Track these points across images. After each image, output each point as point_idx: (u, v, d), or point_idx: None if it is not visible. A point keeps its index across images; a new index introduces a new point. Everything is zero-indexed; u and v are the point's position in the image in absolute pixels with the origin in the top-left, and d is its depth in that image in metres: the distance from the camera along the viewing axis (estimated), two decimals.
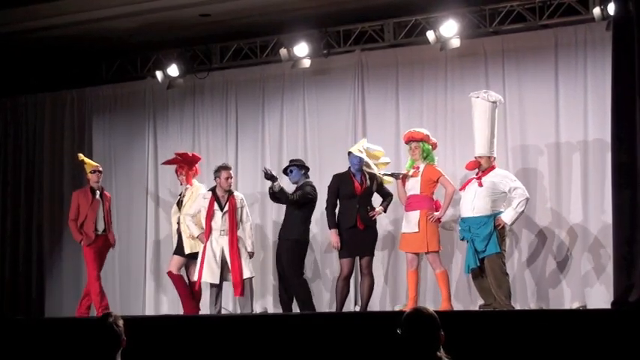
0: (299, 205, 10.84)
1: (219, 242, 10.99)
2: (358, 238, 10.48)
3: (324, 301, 11.87)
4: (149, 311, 12.88)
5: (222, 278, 11.02)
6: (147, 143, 13.34)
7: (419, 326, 4.77)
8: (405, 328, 4.78)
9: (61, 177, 13.88)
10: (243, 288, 10.88)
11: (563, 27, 11.20)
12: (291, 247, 10.88)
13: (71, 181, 13.80)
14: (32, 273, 13.81)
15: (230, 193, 11.12)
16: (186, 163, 11.74)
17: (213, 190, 11.18)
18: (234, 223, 10.97)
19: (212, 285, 11.07)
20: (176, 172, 11.85)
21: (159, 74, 12.89)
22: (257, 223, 12.45)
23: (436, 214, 10.30)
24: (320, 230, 11.71)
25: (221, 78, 13.04)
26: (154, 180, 13.12)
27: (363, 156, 10.54)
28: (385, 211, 10.79)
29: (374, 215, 10.53)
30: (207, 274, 10.98)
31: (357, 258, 10.61)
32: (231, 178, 11.14)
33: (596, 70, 10.90)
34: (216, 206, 11.04)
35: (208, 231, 11.03)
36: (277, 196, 10.95)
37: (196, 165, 11.85)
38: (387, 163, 10.83)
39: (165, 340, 9.63)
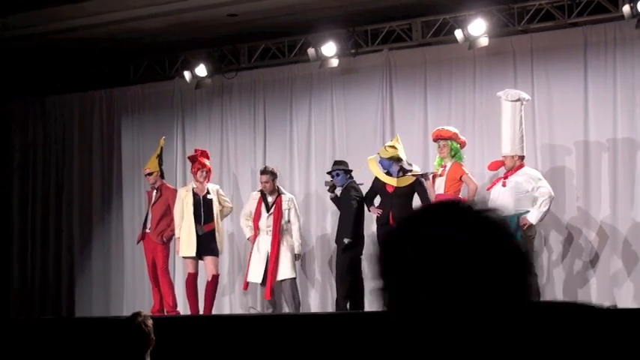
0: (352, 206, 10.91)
1: (265, 243, 11.12)
2: None
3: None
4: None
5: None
6: (175, 143, 13.36)
7: None
8: None
9: (90, 176, 13.94)
10: (272, 292, 11.00)
11: (592, 25, 11.13)
12: (337, 249, 11.05)
13: (100, 180, 13.87)
14: (62, 272, 13.89)
15: (278, 193, 11.20)
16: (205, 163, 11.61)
17: (261, 190, 11.30)
18: (277, 225, 11.09)
19: (260, 284, 11.20)
20: (196, 169, 11.68)
21: (187, 74, 12.90)
22: None
23: None
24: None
25: (249, 78, 13.06)
26: (182, 179, 13.13)
27: (377, 157, 10.60)
28: None
29: None
30: (252, 274, 11.14)
31: None
32: (268, 182, 11.20)
33: (626, 68, 10.84)
34: (263, 207, 11.16)
35: (256, 231, 11.18)
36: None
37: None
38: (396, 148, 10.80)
39: (194, 339, 9.65)
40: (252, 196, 11.52)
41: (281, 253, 11.10)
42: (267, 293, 11.00)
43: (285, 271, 11.06)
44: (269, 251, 11.08)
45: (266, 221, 11.16)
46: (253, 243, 11.25)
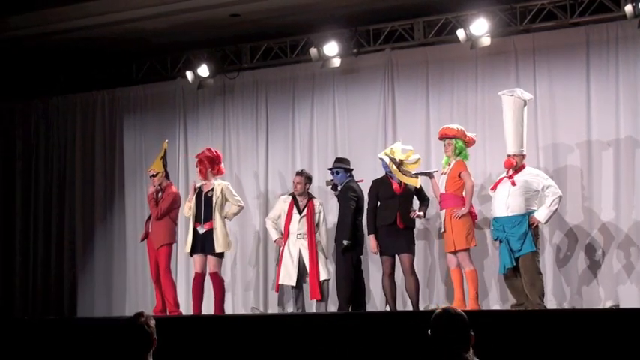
0: (349, 207, 10.88)
1: (296, 245, 11.17)
2: (395, 237, 10.45)
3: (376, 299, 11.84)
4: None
5: (302, 280, 11.22)
6: (177, 143, 13.36)
7: (447, 326, 4.75)
8: (434, 329, 4.77)
9: (92, 176, 13.95)
10: (321, 291, 11.04)
11: (594, 24, 11.13)
12: (337, 250, 11.01)
13: (103, 180, 13.87)
14: (64, 272, 13.89)
15: (310, 197, 11.28)
16: (207, 160, 11.61)
17: (293, 194, 11.35)
18: (312, 227, 11.16)
19: (292, 287, 11.28)
20: (196, 166, 11.70)
21: (189, 74, 12.90)
22: None
23: (460, 211, 10.20)
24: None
25: (251, 78, 13.06)
26: (185, 179, 13.15)
27: (386, 159, 10.51)
28: (424, 216, 10.74)
29: (414, 216, 10.51)
30: (285, 276, 11.20)
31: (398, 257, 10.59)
32: (301, 184, 11.27)
33: (628, 67, 10.84)
34: (294, 210, 11.22)
35: (286, 234, 11.25)
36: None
37: (220, 165, 11.73)
38: (418, 160, 10.70)
39: (196, 339, 9.66)
40: (281, 199, 11.56)
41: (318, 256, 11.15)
42: (316, 293, 11.03)
43: (322, 272, 11.10)
44: (301, 254, 11.13)
45: (297, 224, 11.19)
46: (282, 246, 11.27)
